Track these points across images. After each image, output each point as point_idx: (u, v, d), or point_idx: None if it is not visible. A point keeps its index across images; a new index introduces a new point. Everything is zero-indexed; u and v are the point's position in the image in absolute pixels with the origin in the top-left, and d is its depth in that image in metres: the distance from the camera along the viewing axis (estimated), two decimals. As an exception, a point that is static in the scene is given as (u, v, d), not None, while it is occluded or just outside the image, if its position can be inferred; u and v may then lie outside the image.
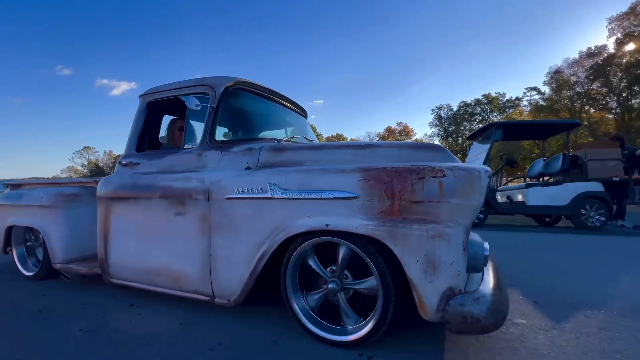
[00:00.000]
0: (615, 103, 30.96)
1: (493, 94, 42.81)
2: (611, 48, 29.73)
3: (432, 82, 74.38)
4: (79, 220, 2.71)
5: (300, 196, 1.64)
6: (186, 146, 2.19)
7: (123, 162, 2.35)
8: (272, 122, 2.50)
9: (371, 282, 1.58)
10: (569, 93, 33.69)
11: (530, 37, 65.15)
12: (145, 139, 2.51)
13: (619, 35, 29.19)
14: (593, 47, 31.32)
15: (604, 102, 31.55)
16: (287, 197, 1.67)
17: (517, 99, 40.78)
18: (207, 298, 1.93)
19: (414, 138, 49.04)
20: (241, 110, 2.33)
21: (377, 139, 47.11)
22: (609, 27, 29.82)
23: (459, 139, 45.02)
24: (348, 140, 40.58)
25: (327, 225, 1.55)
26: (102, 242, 2.30)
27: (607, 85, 30.38)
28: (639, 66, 27.33)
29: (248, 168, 1.89)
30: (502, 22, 65.25)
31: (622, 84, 29.09)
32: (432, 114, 48.31)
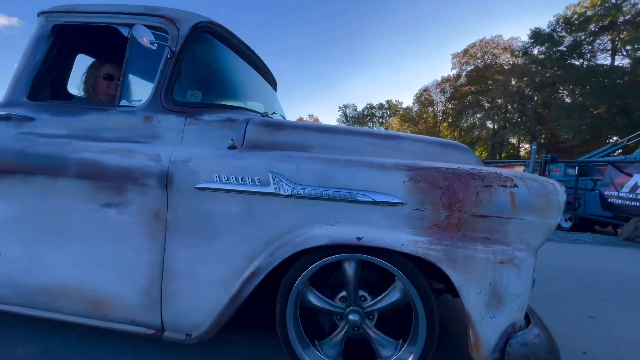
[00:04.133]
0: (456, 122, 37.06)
1: (394, 101, 47.39)
2: (459, 78, 35.05)
3: (360, 81, 77.39)
4: None
5: (320, 195, 1.16)
6: (123, 103, 1.45)
7: (2, 112, 1.44)
8: (245, 89, 1.88)
9: (395, 294, 1.22)
10: (431, 109, 39.39)
11: (428, 53, 73.50)
12: (47, 84, 1.62)
13: (457, 68, 34.93)
14: (451, 74, 36.61)
15: (452, 119, 37.47)
16: (300, 195, 1.17)
17: (408, 107, 45.79)
18: (151, 331, 1.29)
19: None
20: (208, 65, 1.66)
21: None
22: (452, 61, 35.31)
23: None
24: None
25: (359, 238, 1.13)
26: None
27: (455, 107, 36.07)
28: (466, 96, 32.98)
29: (233, 147, 1.30)
30: (417, 36, 71.55)
31: (458, 108, 34.85)
32: (339, 111, 50.90)
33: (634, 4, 18.95)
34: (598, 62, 22.28)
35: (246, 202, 1.19)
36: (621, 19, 19.73)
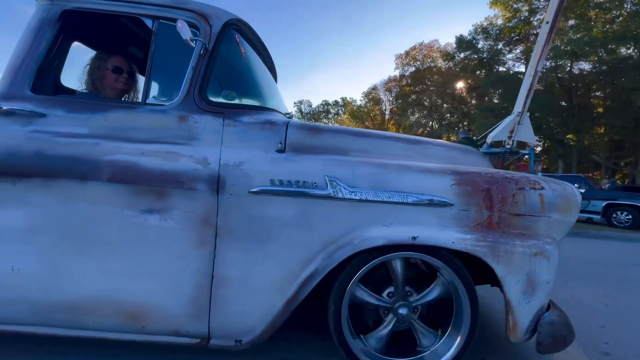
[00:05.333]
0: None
1: (348, 98, 48.03)
2: (402, 78, 35.22)
3: (316, 78, 76.66)
4: None
5: (377, 198, 1.20)
6: (150, 101, 1.34)
7: (4, 107, 1.24)
8: (267, 88, 1.81)
9: (438, 289, 1.32)
10: (378, 107, 40.33)
11: (382, 51, 76.04)
12: (50, 76, 1.42)
13: (400, 69, 35.00)
14: (397, 74, 36.51)
15: (398, 118, 37.74)
16: (357, 198, 1.19)
17: (360, 106, 46.49)
18: (196, 341, 1.22)
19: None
20: (236, 64, 1.58)
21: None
22: (396, 62, 35.41)
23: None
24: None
25: (414, 238, 1.19)
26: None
27: (400, 106, 36.42)
28: (409, 95, 33.65)
29: (281, 151, 1.28)
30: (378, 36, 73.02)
31: (403, 107, 35.13)
32: (294, 107, 50.31)
33: (541, 20, 21.36)
34: (516, 69, 24.68)
35: (303, 205, 1.19)
36: (533, 31, 22.00)
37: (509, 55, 24.35)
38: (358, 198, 1.18)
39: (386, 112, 40.34)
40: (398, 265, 1.28)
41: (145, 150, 1.20)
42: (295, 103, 50.80)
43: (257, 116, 1.36)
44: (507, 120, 8.52)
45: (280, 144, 1.28)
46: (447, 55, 29.26)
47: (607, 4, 16.69)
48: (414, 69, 34.34)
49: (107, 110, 1.28)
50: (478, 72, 25.81)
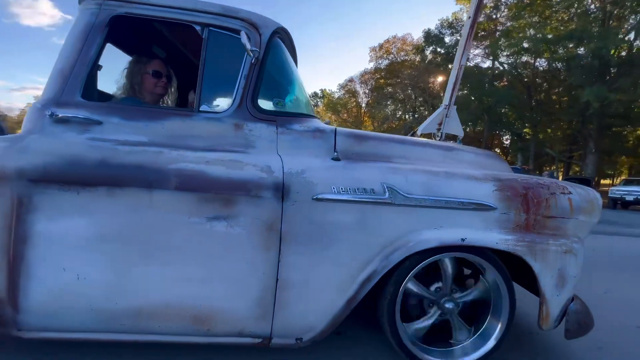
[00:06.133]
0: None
1: (327, 90, 47.43)
2: (377, 71, 34.17)
3: (300, 70, 75.41)
4: None
5: (429, 204, 1.27)
6: (204, 108, 1.33)
7: (59, 114, 1.19)
8: (303, 96, 1.82)
9: (478, 290, 1.43)
10: (354, 100, 40.14)
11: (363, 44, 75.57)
12: (95, 82, 1.37)
13: (374, 62, 34.11)
14: (369, 67, 35.67)
15: (375, 111, 37.62)
16: (412, 203, 1.26)
17: (340, 97, 45.61)
18: (258, 341, 1.26)
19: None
20: (281, 72, 1.58)
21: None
22: (370, 54, 34.65)
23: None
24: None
25: (463, 239, 1.28)
26: (3, 265, 1.12)
27: (375, 98, 36.24)
28: (384, 88, 33.28)
29: (337, 159, 1.32)
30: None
31: (378, 99, 34.94)
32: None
33: (504, 17, 21.80)
34: (485, 65, 24.92)
35: (362, 211, 1.24)
36: (499, 27, 22.30)
37: (477, 51, 24.58)
38: (413, 204, 1.25)
39: (362, 105, 40.09)
40: (448, 265, 1.37)
41: (210, 158, 1.20)
42: (274, 95, 49.57)
43: (307, 124, 1.39)
44: (436, 113, 8.51)
45: (336, 152, 1.32)
46: (417, 49, 29.40)
47: (562, 4, 17.46)
48: (387, 62, 34.01)
49: (164, 118, 1.27)
50: (449, 65, 26.20)
